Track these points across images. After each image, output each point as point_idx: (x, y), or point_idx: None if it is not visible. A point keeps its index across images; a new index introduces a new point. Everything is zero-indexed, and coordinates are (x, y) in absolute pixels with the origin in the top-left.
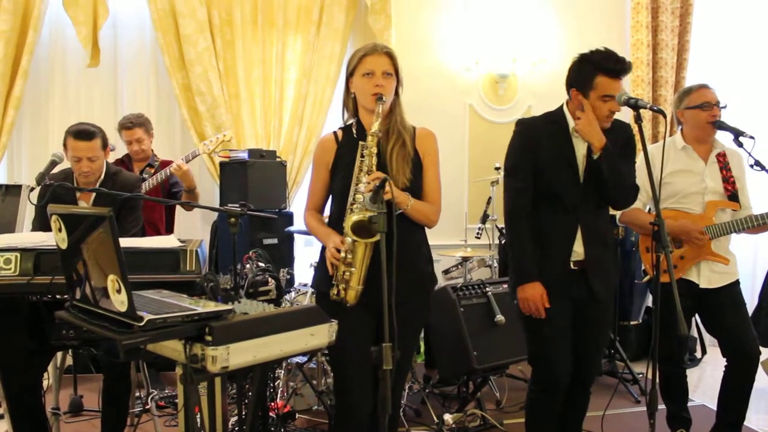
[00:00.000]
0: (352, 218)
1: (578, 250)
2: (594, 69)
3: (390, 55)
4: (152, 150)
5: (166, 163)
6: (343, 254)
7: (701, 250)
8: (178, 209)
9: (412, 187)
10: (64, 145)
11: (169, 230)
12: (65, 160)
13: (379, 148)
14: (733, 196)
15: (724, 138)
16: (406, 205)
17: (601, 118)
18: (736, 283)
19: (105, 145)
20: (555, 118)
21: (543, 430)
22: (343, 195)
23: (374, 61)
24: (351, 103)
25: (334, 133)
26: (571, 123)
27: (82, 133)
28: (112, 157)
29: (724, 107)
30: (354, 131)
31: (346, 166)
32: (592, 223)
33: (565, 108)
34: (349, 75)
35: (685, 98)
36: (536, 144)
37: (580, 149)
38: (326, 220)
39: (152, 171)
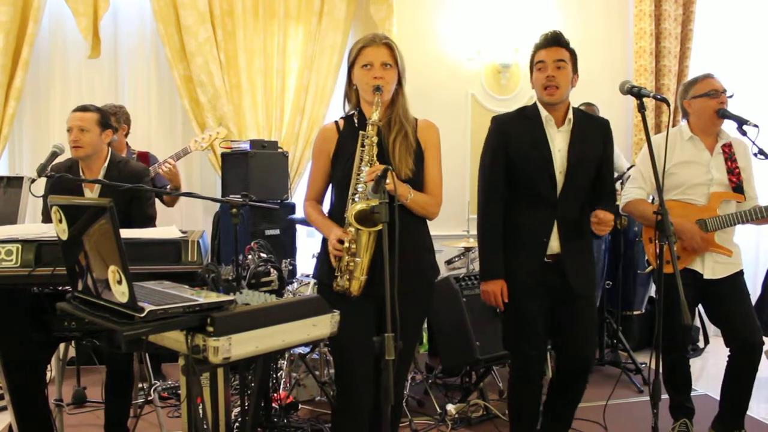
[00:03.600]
0: (355, 207)
1: (553, 243)
2: (532, 52)
3: (389, 46)
4: (127, 143)
5: (142, 155)
6: (346, 245)
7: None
8: (159, 205)
9: (415, 178)
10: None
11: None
12: (66, 151)
13: (380, 138)
14: (738, 187)
15: (729, 128)
16: (406, 198)
17: (539, 89)
18: (740, 273)
19: (103, 124)
20: (529, 113)
21: (523, 418)
22: (344, 184)
23: (372, 53)
24: (353, 95)
25: (336, 122)
26: (544, 114)
27: (78, 106)
28: None
29: (731, 96)
30: (356, 121)
31: (348, 155)
32: (570, 217)
33: (538, 102)
34: (350, 66)
35: (691, 88)
36: (507, 140)
37: (556, 143)
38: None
39: None
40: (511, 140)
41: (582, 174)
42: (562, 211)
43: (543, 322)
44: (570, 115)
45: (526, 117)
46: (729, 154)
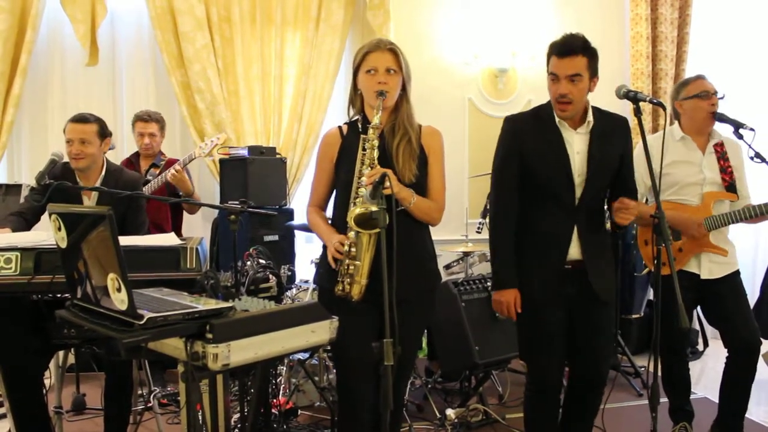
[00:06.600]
0: (355, 211)
1: (573, 250)
2: (547, 54)
3: (394, 52)
4: (161, 150)
5: (171, 162)
6: (346, 248)
7: (700, 241)
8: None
9: (418, 183)
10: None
11: (176, 231)
12: (65, 159)
13: (384, 143)
14: (731, 186)
15: (723, 130)
16: (409, 202)
17: (552, 101)
18: (737, 273)
19: (102, 134)
20: (543, 113)
21: (541, 428)
22: (346, 188)
23: (377, 58)
24: (358, 100)
25: (339, 127)
26: (558, 117)
27: (77, 116)
28: (112, 157)
29: (722, 98)
30: (359, 126)
31: (350, 160)
32: (590, 221)
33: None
34: (355, 72)
35: (682, 90)
36: (522, 141)
37: (575, 145)
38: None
39: (156, 171)
40: (526, 141)
41: (603, 176)
42: (583, 215)
43: (560, 331)
44: (590, 116)
45: (540, 117)
46: (721, 153)
